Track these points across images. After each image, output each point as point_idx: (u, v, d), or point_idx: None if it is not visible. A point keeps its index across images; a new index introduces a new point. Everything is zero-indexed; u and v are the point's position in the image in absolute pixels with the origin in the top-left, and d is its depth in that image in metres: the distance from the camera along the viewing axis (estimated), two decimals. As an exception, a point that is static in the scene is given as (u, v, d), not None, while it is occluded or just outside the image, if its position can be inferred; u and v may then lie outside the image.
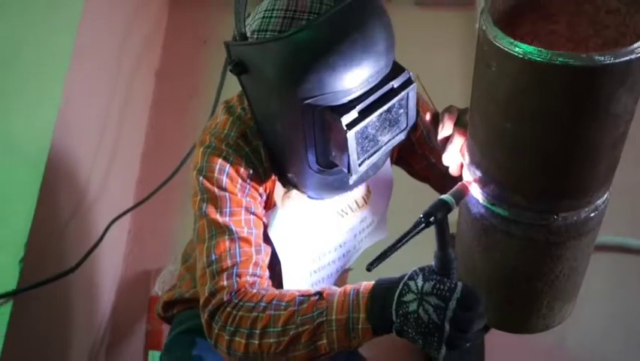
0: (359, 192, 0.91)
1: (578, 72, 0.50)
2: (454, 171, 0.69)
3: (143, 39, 1.81)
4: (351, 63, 0.67)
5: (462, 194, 0.65)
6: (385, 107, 0.71)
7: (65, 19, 1.25)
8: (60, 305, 1.22)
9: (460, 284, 0.63)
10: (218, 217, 0.77)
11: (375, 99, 0.70)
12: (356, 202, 0.92)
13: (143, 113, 1.83)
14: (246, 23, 0.74)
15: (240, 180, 0.78)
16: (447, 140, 0.68)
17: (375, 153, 0.74)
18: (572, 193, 0.60)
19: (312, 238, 0.89)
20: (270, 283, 0.79)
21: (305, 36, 0.67)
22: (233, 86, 0.82)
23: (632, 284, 1.53)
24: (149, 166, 1.73)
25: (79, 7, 1.27)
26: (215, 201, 0.77)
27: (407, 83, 0.72)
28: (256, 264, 0.77)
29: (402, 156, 0.94)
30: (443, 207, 0.62)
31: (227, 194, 0.77)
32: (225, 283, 0.74)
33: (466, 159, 0.67)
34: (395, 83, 0.71)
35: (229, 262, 0.75)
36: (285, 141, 0.76)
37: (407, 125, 0.76)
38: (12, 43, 1.20)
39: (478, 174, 0.64)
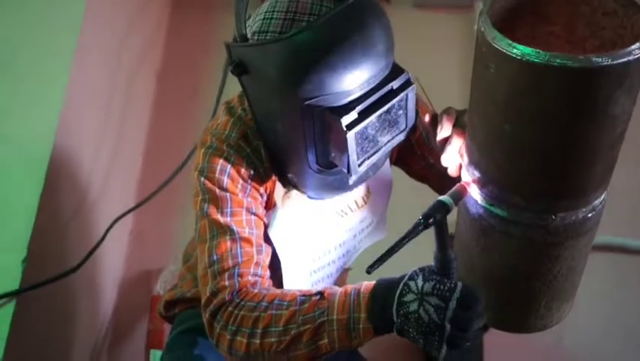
0: (359, 192, 0.92)
1: (576, 74, 0.51)
2: (452, 171, 0.70)
3: (144, 39, 1.81)
4: (351, 64, 0.67)
5: (461, 195, 0.65)
6: (385, 108, 0.71)
7: (67, 19, 1.26)
8: (62, 305, 1.23)
9: (459, 284, 0.63)
10: (219, 217, 0.77)
11: (374, 100, 0.70)
12: (356, 202, 0.92)
13: (144, 113, 1.84)
14: (247, 25, 0.74)
15: (241, 181, 0.79)
16: (446, 141, 0.69)
17: (374, 153, 0.75)
18: (570, 194, 0.61)
19: (312, 238, 0.89)
20: (271, 283, 0.80)
21: (305, 37, 0.67)
22: (234, 87, 0.83)
23: (630, 284, 1.54)
24: (150, 166, 1.74)
25: (81, 8, 1.28)
26: (217, 202, 0.78)
27: (406, 84, 0.72)
28: (257, 264, 0.77)
29: (401, 156, 0.95)
30: (442, 209, 0.63)
31: (228, 194, 0.78)
32: (227, 283, 0.74)
33: (465, 160, 0.67)
34: (394, 85, 0.71)
35: (230, 262, 0.75)
36: (286, 142, 0.77)
37: (406, 126, 0.76)
38: (14, 44, 1.21)
39: (477, 174, 0.64)
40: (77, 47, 1.24)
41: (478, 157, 0.64)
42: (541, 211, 0.62)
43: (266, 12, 0.73)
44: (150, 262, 1.60)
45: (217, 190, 0.78)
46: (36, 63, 1.19)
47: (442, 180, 0.86)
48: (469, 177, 0.66)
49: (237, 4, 0.71)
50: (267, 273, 0.79)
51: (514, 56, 0.52)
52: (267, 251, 0.81)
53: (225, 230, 0.77)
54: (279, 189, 0.84)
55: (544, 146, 0.57)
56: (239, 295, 0.74)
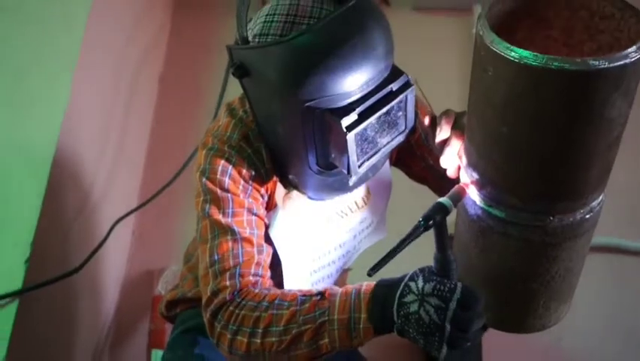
0: (359, 193, 0.92)
1: (573, 77, 0.51)
2: (451, 173, 0.70)
3: (147, 42, 1.82)
4: (351, 67, 0.68)
5: (459, 196, 0.66)
6: (384, 110, 0.72)
7: (71, 25, 1.27)
8: (64, 305, 1.23)
9: (459, 285, 0.64)
10: (220, 218, 0.78)
11: (374, 102, 0.71)
12: (356, 203, 0.93)
13: (146, 115, 1.85)
14: (248, 28, 0.75)
15: (242, 182, 0.79)
16: (445, 142, 0.69)
17: (374, 154, 0.75)
18: (568, 195, 0.61)
19: (313, 239, 0.90)
20: (272, 283, 0.80)
21: (305, 40, 0.68)
22: (235, 90, 0.83)
23: (628, 285, 1.54)
24: (152, 167, 1.75)
25: (84, 15, 1.29)
26: (218, 202, 0.78)
27: (406, 86, 0.73)
28: (258, 264, 0.78)
29: (400, 157, 0.95)
30: (441, 210, 0.63)
31: (229, 195, 0.78)
32: (228, 282, 0.75)
33: (464, 162, 0.68)
34: (394, 86, 0.72)
35: (231, 262, 0.76)
36: (286, 143, 0.77)
37: (406, 127, 0.77)
38: (18, 44, 1.22)
39: (475, 176, 0.65)
40: (81, 49, 1.24)
41: (476, 159, 0.64)
42: (539, 212, 0.62)
43: (267, 15, 0.74)
44: (152, 263, 1.61)
45: (218, 191, 0.78)
46: (40, 64, 1.20)
47: (441, 182, 0.87)
48: (467, 178, 0.67)
49: (238, 6, 0.71)
50: (268, 273, 0.80)
51: (512, 59, 0.53)
52: (267, 251, 0.81)
53: (226, 230, 0.77)
54: (280, 189, 0.84)
55: (541, 148, 0.57)
56: (240, 295, 0.74)
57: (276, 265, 0.85)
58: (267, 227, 0.83)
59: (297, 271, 0.89)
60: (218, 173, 0.79)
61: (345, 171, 0.74)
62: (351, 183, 0.81)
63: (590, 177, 0.60)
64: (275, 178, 0.83)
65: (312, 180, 0.79)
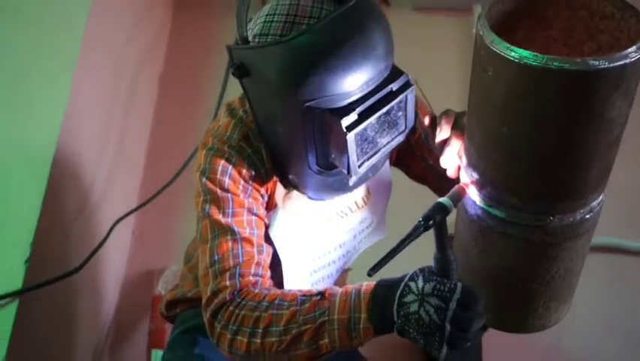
0: (359, 193, 0.92)
1: (573, 76, 0.51)
2: (451, 173, 0.70)
3: (147, 42, 1.83)
4: (351, 67, 0.68)
5: (459, 196, 0.66)
6: (384, 110, 0.72)
7: (71, 25, 1.27)
8: (65, 305, 1.23)
9: (459, 285, 0.64)
10: (220, 218, 0.78)
11: (374, 102, 0.71)
12: (356, 203, 0.93)
13: (146, 115, 1.85)
14: (248, 28, 0.75)
15: (242, 182, 0.79)
16: (445, 142, 0.69)
17: (374, 154, 0.75)
18: (568, 195, 0.61)
19: (313, 238, 0.90)
20: (272, 283, 0.80)
21: (305, 40, 0.68)
22: (235, 90, 0.84)
23: (628, 285, 1.54)
24: (152, 167, 1.75)
25: (84, 15, 1.29)
26: (218, 202, 0.78)
27: (406, 86, 0.73)
28: (258, 264, 0.78)
29: (401, 157, 0.95)
30: (441, 210, 0.63)
31: (229, 195, 0.78)
32: (228, 282, 0.75)
33: (464, 162, 0.68)
34: (394, 86, 0.72)
35: (231, 262, 0.76)
36: (286, 143, 0.77)
37: (406, 127, 0.77)
38: (18, 44, 1.22)
39: (475, 176, 0.65)
40: (81, 49, 1.25)
41: (476, 159, 0.64)
42: (539, 212, 0.62)
43: (267, 15, 0.74)
44: (152, 263, 1.61)
45: (218, 191, 0.79)
46: (40, 64, 1.20)
47: (441, 182, 0.87)
48: (467, 178, 0.67)
49: (238, 7, 0.71)
50: (268, 273, 0.80)
51: (512, 59, 0.53)
52: (267, 251, 0.81)
53: (226, 230, 0.77)
54: (280, 189, 0.84)
55: (541, 148, 0.57)
56: (240, 295, 0.74)
57: (276, 264, 0.85)
58: (266, 227, 0.83)
59: (297, 271, 0.90)
60: (219, 173, 0.79)
61: (345, 171, 0.74)
62: (351, 183, 0.81)
63: (589, 177, 0.60)
64: (275, 178, 0.83)
65: (312, 180, 0.79)
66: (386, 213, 1.00)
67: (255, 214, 0.80)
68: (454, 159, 0.69)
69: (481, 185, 0.65)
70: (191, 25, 2.07)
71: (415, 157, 0.93)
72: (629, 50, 0.51)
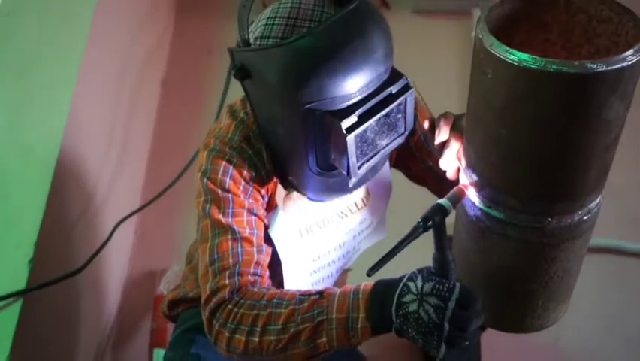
0: (358, 194, 0.93)
1: (572, 79, 0.52)
2: (451, 174, 0.71)
3: (150, 46, 1.84)
4: (351, 69, 0.68)
5: (459, 197, 0.66)
6: (384, 112, 0.72)
7: (75, 26, 1.28)
8: (68, 305, 1.24)
9: (458, 285, 0.64)
10: (221, 217, 0.78)
11: (374, 104, 0.71)
12: (355, 204, 0.93)
13: (149, 117, 1.86)
14: (249, 30, 0.76)
15: (242, 182, 0.80)
16: (444, 144, 0.70)
17: (374, 156, 0.76)
18: (566, 197, 0.61)
19: (313, 239, 0.90)
20: (270, 282, 0.81)
21: (306, 43, 0.69)
22: (237, 92, 0.84)
23: (625, 286, 1.54)
24: (155, 168, 1.76)
25: (88, 16, 1.30)
26: (219, 202, 0.79)
27: (405, 88, 0.73)
28: (257, 263, 0.78)
29: (400, 159, 0.95)
30: (440, 211, 0.64)
31: (230, 195, 0.79)
32: (227, 281, 0.75)
33: (463, 163, 0.68)
34: (393, 89, 0.73)
35: (231, 261, 0.76)
36: (287, 144, 0.78)
37: (405, 129, 0.77)
38: (21, 45, 1.23)
39: (475, 177, 0.65)
40: (85, 50, 1.25)
41: (475, 161, 0.65)
42: (538, 214, 0.62)
43: (268, 18, 0.74)
44: (154, 263, 1.61)
45: (219, 191, 0.79)
46: (44, 65, 1.21)
47: (440, 183, 0.87)
48: (466, 180, 0.67)
49: (240, 9, 0.72)
50: (267, 273, 0.80)
51: (511, 62, 0.53)
52: (267, 251, 0.82)
53: (227, 230, 0.78)
54: (281, 190, 0.85)
55: (540, 151, 0.58)
56: (238, 294, 0.75)
57: (275, 264, 0.85)
58: (266, 227, 0.84)
59: (297, 271, 0.90)
60: (220, 173, 0.79)
61: (345, 173, 0.75)
62: (350, 184, 0.81)
63: (587, 178, 0.60)
64: (275, 179, 0.83)
65: (312, 182, 0.80)
66: (386, 214, 1.00)
67: (255, 215, 0.81)
68: (453, 160, 0.69)
69: (480, 186, 0.65)
70: (193, 27, 2.08)
71: (415, 159, 0.94)
72: (627, 53, 0.52)
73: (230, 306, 0.74)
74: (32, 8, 1.28)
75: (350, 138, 0.70)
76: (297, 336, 0.70)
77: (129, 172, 1.64)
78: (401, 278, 0.68)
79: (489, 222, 0.66)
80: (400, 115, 0.75)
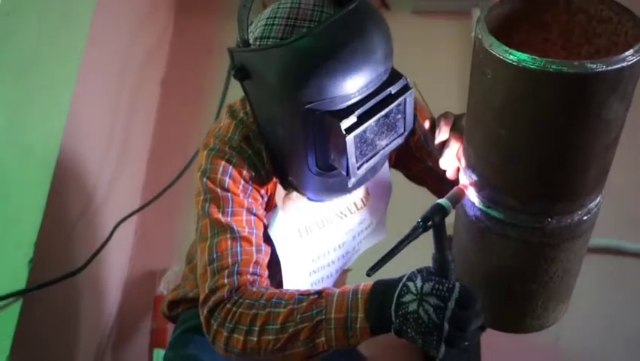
0: (358, 194, 0.93)
1: (571, 79, 0.52)
2: (450, 174, 0.71)
3: (150, 46, 1.84)
4: (351, 70, 0.68)
5: (458, 197, 0.66)
6: (383, 113, 0.72)
7: (75, 26, 1.28)
8: (67, 305, 1.24)
9: (457, 285, 0.64)
10: (220, 217, 0.78)
11: (373, 104, 0.71)
12: (355, 204, 0.93)
13: (149, 117, 1.86)
14: (249, 30, 0.76)
15: (242, 182, 0.80)
16: (444, 144, 0.70)
17: (373, 156, 0.76)
18: (566, 197, 0.62)
19: (312, 239, 0.90)
20: (269, 282, 0.81)
21: (306, 43, 0.69)
22: (237, 92, 0.84)
23: (625, 286, 1.55)
24: (155, 168, 1.76)
25: (87, 20, 1.30)
26: (218, 202, 0.79)
27: (405, 89, 0.73)
28: (256, 263, 0.78)
29: (400, 159, 0.95)
30: (440, 211, 0.64)
31: (229, 195, 0.79)
32: (226, 280, 0.75)
33: (463, 164, 0.68)
34: (393, 89, 0.73)
35: (230, 260, 0.76)
36: (286, 145, 0.78)
37: (405, 130, 0.77)
38: (24, 47, 1.23)
39: (474, 177, 0.65)
40: (85, 50, 1.26)
41: (475, 161, 0.65)
42: (537, 214, 0.63)
43: (267, 18, 0.74)
44: (154, 263, 1.61)
45: (219, 190, 0.79)
46: (44, 65, 1.21)
47: (440, 183, 0.87)
48: (466, 180, 0.67)
49: (240, 9, 0.72)
50: (266, 273, 0.80)
51: (510, 62, 0.53)
52: (266, 251, 0.82)
53: (226, 229, 0.78)
54: (280, 190, 0.85)
55: (539, 151, 0.58)
56: (237, 293, 0.74)
57: (275, 264, 0.85)
58: (265, 227, 0.84)
59: (297, 271, 0.90)
60: (219, 173, 0.79)
61: (345, 173, 0.75)
62: (350, 184, 0.81)
63: (587, 179, 0.60)
64: (275, 179, 0.83)
65: (312, 182, 0.80)
66: (386, 214, 1.00)
67: (255, 214, 0.81)
68: (453, 160, 0.69)
69: (479, 186, 0.65)
70: (193, 27, 2.08)
71: (414, 159, 0.94)
72: (627, 53, 0.52)
73: (228, 305, 0.74)
74: (32, 8, 1.28)
75: (349, 139, 0.70)
76: (295, 336, 0.70)
77: (129, 172, 1.64)
78: (400, 278, 0.68)
79: (489, 223, 0.66)
80: (399, 115, 0.75)
